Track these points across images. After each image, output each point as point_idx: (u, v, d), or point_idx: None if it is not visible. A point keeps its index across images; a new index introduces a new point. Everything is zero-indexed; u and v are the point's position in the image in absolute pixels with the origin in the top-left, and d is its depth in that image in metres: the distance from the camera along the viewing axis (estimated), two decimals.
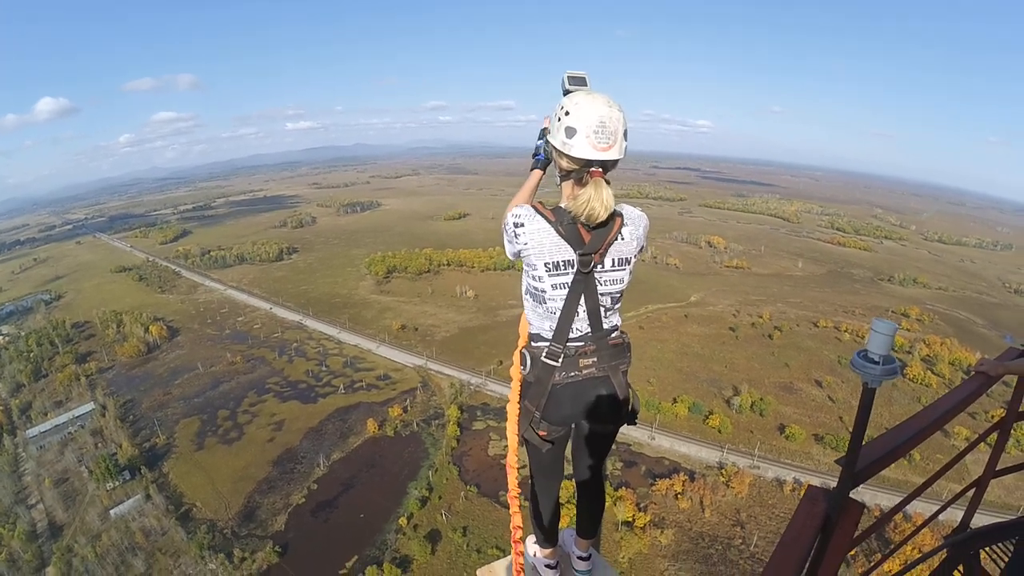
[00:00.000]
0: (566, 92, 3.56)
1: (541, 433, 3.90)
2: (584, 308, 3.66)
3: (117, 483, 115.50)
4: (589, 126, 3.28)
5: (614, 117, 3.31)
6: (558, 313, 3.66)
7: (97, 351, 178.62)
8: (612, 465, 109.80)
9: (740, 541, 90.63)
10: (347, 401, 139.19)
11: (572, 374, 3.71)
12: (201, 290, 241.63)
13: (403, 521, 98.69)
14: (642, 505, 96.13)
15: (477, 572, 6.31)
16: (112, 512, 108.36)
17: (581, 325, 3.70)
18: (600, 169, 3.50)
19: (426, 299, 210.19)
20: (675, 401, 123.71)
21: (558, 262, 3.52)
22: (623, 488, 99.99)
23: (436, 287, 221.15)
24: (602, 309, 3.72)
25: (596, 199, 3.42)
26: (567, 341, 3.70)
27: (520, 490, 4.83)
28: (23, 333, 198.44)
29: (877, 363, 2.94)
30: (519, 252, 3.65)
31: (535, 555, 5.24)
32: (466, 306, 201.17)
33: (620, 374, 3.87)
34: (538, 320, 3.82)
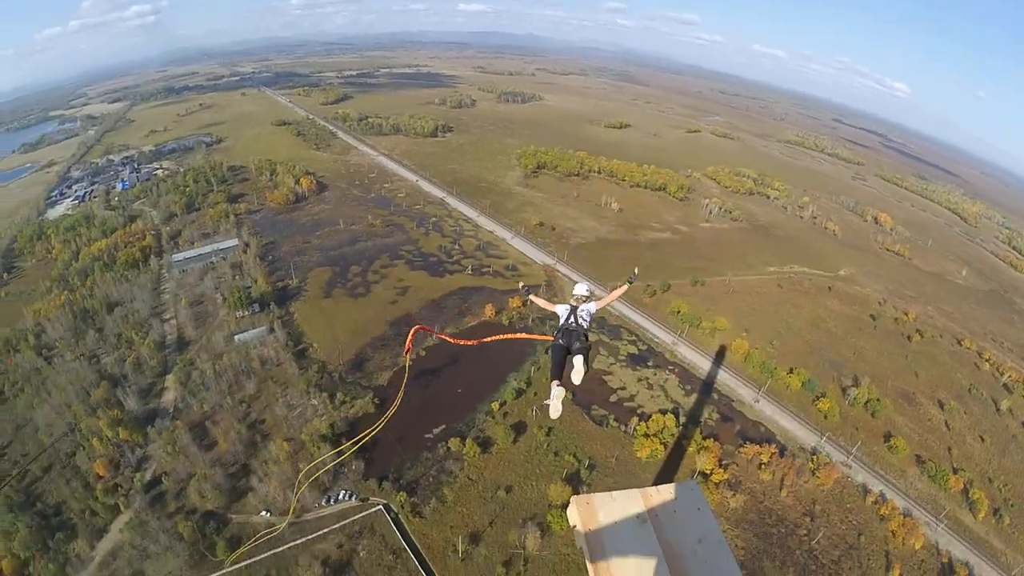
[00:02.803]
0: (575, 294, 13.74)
1: (559, 342, 12.37)
2: (572, 318, 12.73)
3: (246, 313, 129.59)
4: (575, 295, 13.64)
5: (581, 292, 13.61)
6: (563, 317, 12.89)
7: (248, 194, 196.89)
8: (707, 414, 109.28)
9: (805, 532, 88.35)
10: (472, 283, 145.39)
11: (563, 325, 12.69)
12: (353, 153, 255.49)
13: (495, 406, 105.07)
14: (724, 463, 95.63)
15: (572, 499, 6.62)
16: (236, 337, 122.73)
17: (570, 320, 12.72)
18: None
19: (569, 202, 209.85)
20: (791, 371, 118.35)
21: (567, 307, 13.07)
22: (711, 440, 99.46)
23: (582, 192, 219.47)
24: (578, 318, 12.75)
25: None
26: (565, 321, 12.76)
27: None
28: (182, 169, 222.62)
29: None
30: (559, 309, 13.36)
31: (553, 386, 11.77)
32: (608, 218, 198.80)
33: (582, 335, 12.47)
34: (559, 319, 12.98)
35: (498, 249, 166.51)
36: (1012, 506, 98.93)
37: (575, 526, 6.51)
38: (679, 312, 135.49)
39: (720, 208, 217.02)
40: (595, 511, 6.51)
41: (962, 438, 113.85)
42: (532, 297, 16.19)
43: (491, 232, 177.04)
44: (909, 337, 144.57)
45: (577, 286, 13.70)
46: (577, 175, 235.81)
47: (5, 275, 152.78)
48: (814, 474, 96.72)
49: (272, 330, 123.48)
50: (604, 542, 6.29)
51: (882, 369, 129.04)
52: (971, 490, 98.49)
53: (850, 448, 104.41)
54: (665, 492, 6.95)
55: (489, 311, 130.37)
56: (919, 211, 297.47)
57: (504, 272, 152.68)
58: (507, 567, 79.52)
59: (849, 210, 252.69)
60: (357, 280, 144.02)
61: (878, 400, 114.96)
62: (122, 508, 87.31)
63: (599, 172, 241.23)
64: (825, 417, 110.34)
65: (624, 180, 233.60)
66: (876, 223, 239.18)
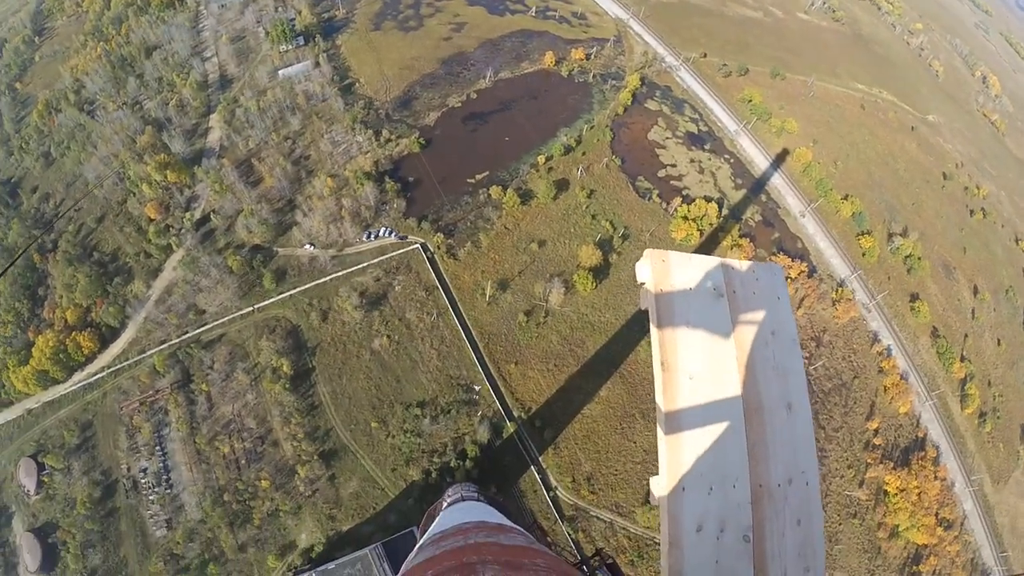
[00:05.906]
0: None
1: None
2: None
3: (290, 47, 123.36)
4: None
5: None
6: None
7: None
8: (750, 214, 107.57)
9: (807, 355, 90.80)
10: (534, 26, 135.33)
11: None
12: None
13: (541, 159, 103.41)
14: None
15: (646, 252, 6.13)
16: (280, 73, 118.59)
17: None
18: None
19: None
20: (846, 198, 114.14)
21: None
22: (746, 239, 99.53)
23: None
24: None
25: None
26: None
27: None
28: None
29: None
30: None
31: None
32: None
33: None
34: None
35: None
36: (999, 417, 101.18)
37: (643, 283, 6.09)
38: (750, 101, 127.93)
39: (824, 2, 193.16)
40: (669, 271, 5.97)
41: (981, 332, 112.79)
42: None
43: None
44: (972, 212, 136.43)
45: None
46: None
47: (37, 38, 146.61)
48: (834, 304, 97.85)
49: (317, 64, 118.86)
50: (674, 308, 5.94)
51: (934, 231, 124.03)
52: (969, 384, 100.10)
53: (876, 294, 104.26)
54: (747, 269, 6.64)
55: (549, 59, 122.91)
56: None
57: (571, 19, 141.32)
58: (528, 316, 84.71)
59: (960, 56, 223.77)
60: (409, 12, 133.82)
61: (919, 259, 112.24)
62: (174, 247, 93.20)
63: None
64: (863, 255, 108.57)
65: None
66: (984, 83, 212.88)
